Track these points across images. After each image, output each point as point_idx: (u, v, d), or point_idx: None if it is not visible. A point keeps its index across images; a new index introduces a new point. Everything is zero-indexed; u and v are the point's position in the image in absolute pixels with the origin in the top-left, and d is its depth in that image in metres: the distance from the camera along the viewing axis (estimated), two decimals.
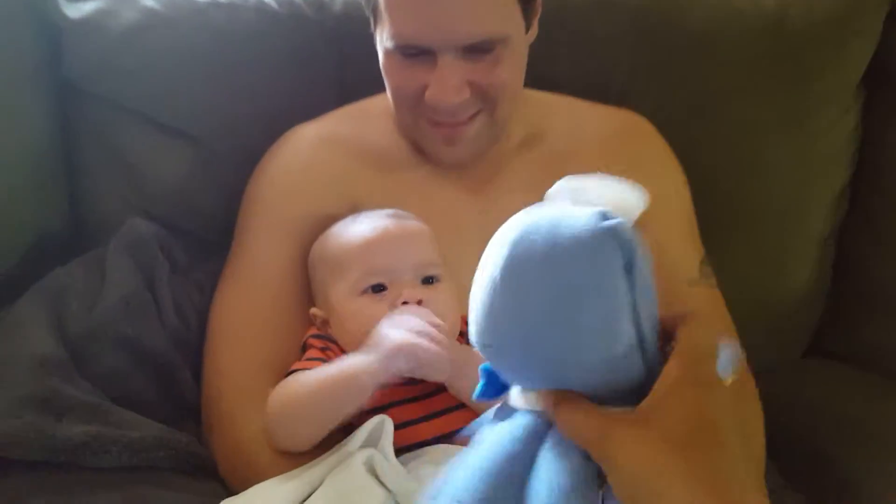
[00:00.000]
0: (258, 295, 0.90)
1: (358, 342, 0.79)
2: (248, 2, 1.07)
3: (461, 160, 0.93)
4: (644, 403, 0.48)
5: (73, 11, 1.04)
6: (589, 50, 1.12)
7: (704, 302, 0.98)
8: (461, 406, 0.78)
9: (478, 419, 0.57)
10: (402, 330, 0.73)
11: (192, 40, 1.05)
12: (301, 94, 1.06)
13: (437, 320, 0.76)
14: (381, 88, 0.91)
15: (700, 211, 1.05)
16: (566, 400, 0.50)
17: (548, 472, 0.50)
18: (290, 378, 0.78)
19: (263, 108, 1.05)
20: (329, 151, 0.95)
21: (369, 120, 0.98)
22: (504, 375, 0.53)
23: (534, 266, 0.48)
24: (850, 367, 1.25)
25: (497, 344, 0.50)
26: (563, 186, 0.52)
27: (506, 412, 0.54)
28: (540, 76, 1.04)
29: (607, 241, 0.47)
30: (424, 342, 0.72)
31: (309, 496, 0.71)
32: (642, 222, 0.99)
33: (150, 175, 1.06)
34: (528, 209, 0.51)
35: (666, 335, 0.51)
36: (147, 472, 0.77)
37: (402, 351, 0.72)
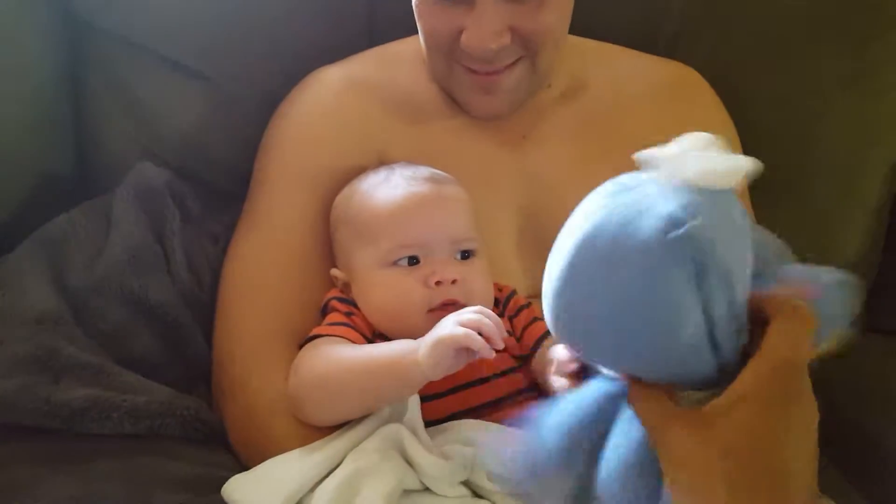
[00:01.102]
0: (274, 252, 0.86)
1: (385, 315, 0.78)
2: None
3: (498, 112, 0.89)
4: (713, 404, 0.48)
5: None
6: None
7: None
8: (488, 379, 0.76)
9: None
10: (451, 322, 0.68)
11: None
12: (325, 33, 1.03)
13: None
14: (414, 28, 0.87)
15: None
16: (639, 386, 0.51)
17: (618, 443, 0.52)
18: (324, 349, 0.75)
19: (284, 48, 1.02)
20: (355, 97, 0.91)
21: (400, 64, 0.94)
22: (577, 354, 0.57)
23: (595, 267, 0.50)
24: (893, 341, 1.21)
25: (563, 330, 0.53)
26: (658, 155, 0.51)
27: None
28: (584, 22, 0.98)
29: (673, 252, 0.47)
30: (475, 336, 0.66)
31: (328, 475, 0.68)
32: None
33: (161, 117, 1.05)
34: (605, 188, 0.52)
35: (757, 319, 0.49)
36: (152, 441, 0.75)
37: (447, 346, 0.67)
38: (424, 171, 0.83)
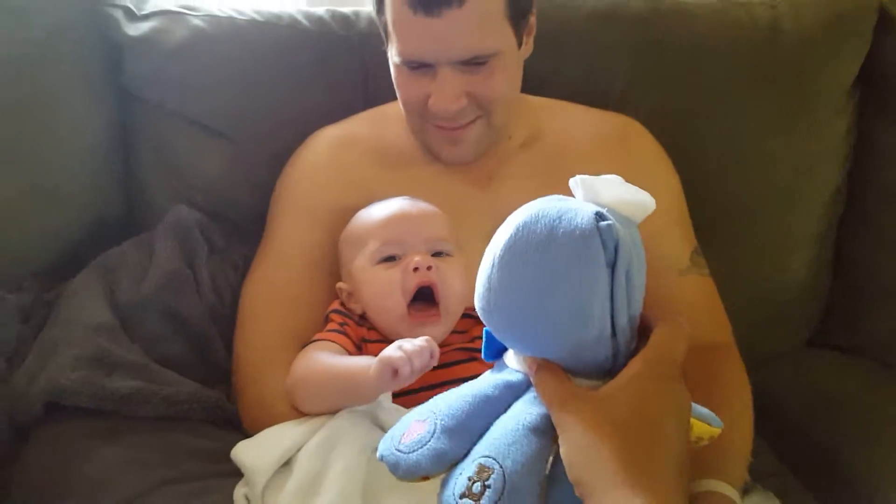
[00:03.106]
0: (282, 275, 0.99)
1: (374, 308, 0.89)
2: (282, 20, 1.18)
3: (464, 159, 1.01)
4: (608, 385, 0.55)
5: (133, 30, 1.16)
6: (591, 60, 1.19)
7: (695, 290, 1.03)
8: (457, 381, 0.82)
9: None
10: (394, 347, 0.75)
11: (233, 54, 1.15)
12: (328, 102, 1.14)
13: (435, 351, 0.76)
14: None
15: (699, 210, 1.10)
16: (545, 366, 0.57)
17: (516, 412, 0.59)
18: (310, 352, 0.86)
19: (293, 114, 1.13)
20: (349, 150, 1.04)
21: (386, 123, 1.06)
22: (497, 338, 0.61)
23: (530, 249, 0.56)
24: (851, 358, 1.27)
25: (490, 310, 0.58)
26: (580, 182, 0.59)
27: (500, 368, 0.63)
28: (546, 83, 1.13)
29: (596, 239, 0.54)
30: (405, 365, 0.73)
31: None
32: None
33: (193, 170, 1.16)
34: (541, 199, 0.59)
35: (644, 331, 0.58)
36: (182, 422, 0.88)
37: (386, 366, 0.74)
38: (404, 197, 0.96)
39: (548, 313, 0.55)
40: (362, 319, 0.91)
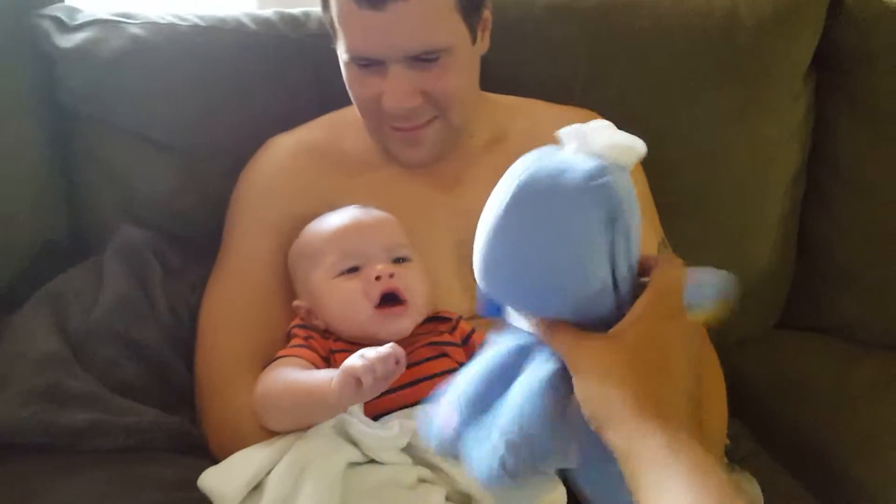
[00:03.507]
0: (242, 290, 0.96)
1: (339, 319, 0.87)
2: (227, 24, 1.14)
3: (423, 161, 0.99)
4: (614, 328, 0.56)
5: (65, 41, 1.11)
6: (549, 55, 1.18)
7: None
8: (428, 378, 0.83)
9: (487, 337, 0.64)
10: (356, 356, 0.73)
11: (176, 62, 1.11)
12: (281, 107, 1.11)
13: (401, 356, 0.74)
14: None
15: (663, 197, 1.10)
16: (551, 322, 0.58)
17: (531, 377, 0.59)
18: (275, 368, 0.83)
19: (245, 122, 1.10)
20: (305, 158, 1.02)
21: (343, 127, 1.04)
22: (499, 301, 0.61)
23: (532, 208, 0.56)
24: (818, 338, 1.30)
25: (492, 271, 0.59)
26: (571, 132, 0.58)
27: (503, 326, 0.63)
28: (509, 81, 1.11)
29: (595, 196, 0.55)
30: (368, 373, 0.71)
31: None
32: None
33: (141, 186, 1.12)
34: (536, 153, 0.59)
35: (642, 271, 0.59)
36: (142, 452, 0.84)
37: (347, 377, 0.72)
38: (355, 206, 0.93)
39: (551, 270, 0.56)
40: (327, 333, 0.89)
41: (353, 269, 0.87)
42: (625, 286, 0.57)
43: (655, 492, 0.49)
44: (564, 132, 0.59)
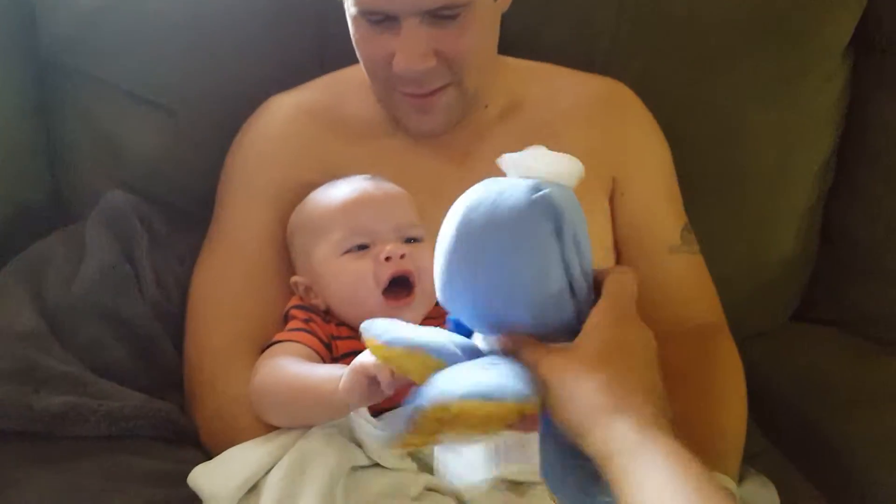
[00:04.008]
0: (237, 265, 0.91)
1: (343, 301, 0.82)
2: None
3: (434, 129, 0.93)
4: (576, 339, 0.60)
5: None
6: (572, 20, 1.12)
7: (686, 268, 1.00)
8: None
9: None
10: (368, 352, 0.67)
11: (168, 12, 1.04)
12: (280, 65, 1.05)
13: None
14: None
15: (685, 178, 1.06)
16: (517, 338, 0.62)
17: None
18: (273, 357, 0.78)
19: (242, 80, 1.05)
20: (306, 121, 0.96)
21: (348, 89, 0.98)
22: (466, 324, 0.65)
23: (479, 231, 0.60)
24: (836, 332, 1.26)
25: (453, 299, 0.63)
26: (509, 161, 0.62)
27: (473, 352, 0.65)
28: (524, 46, 1.05)
29: (537, 211, 0.59)
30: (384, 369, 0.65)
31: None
32: (624, 191, 0.96)
33: (129, 147, 1.07)
34: (477, 185, 0.63)
35: (598, 286, 0.63)
36: (127, 441, 0.80)
37: (359, 376, 0.67)
38: (366, 175, 0.88)
39: (509, 290, 0.60)
40: (328, 314, 0.84)
41: (362, 248, 0.82)
42: (581, 293, 0.61)
43: (637, 486, 0.51)
44: (502, 162, 0.63)
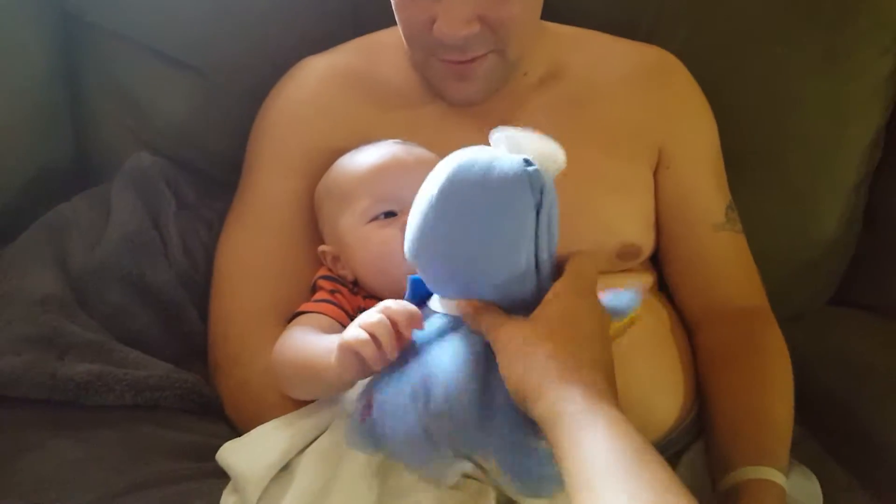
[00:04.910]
0: (264, 234, 0.89)
1: (370, 271, 0.80)
2: None
3: (472, 98, 0.91)
4: (535, 311, 0.63)
5: None
6: None
7: (729, 247, 0.98)
8: None
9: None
10: (355, 328, 0.65)
11: None
12: (311, 24, 1.04)
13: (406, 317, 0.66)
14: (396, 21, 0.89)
15: (728, 151, 1.03)
16: (478, 304, 0.65)
17: (455, 348, 0.64)
18: (293, 329, 0.77)
19: (272, 40, 1.03)
20: (339, 84, 0.93)
21: (382, 53, 0.96)
22: (428, 285, 0.67)
23: (467, 191, 0.62)
24: (876, 317, 1.22)
25: (424, 254, 0.65)
26: (502, 136, 0.64)
27: (426, 313, 0.68)
28: (566, 12, 1.03)
29: (526, 183, 0.61)
30: (368, 346, 0.64)
31: (313, 440, 0.72)
32: (669, 164, 0.93)
33: (155, 109, 1.05)
34: (469, 148, 0.65)
35: (559, 269, 0.66)
36: (151, 411, 0.79)
37: (347, 351, 0.65)
38: (395, 140, 0.85)
39: (481, 252, 0.62)
40: (355, 286, 0.82)
41: (389, 214, 0.79)
42: (545, 271, 0.64)
43: (576, 451, 0.53)
44: (494, 136, 0.65)
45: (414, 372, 0.64)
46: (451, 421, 0.61)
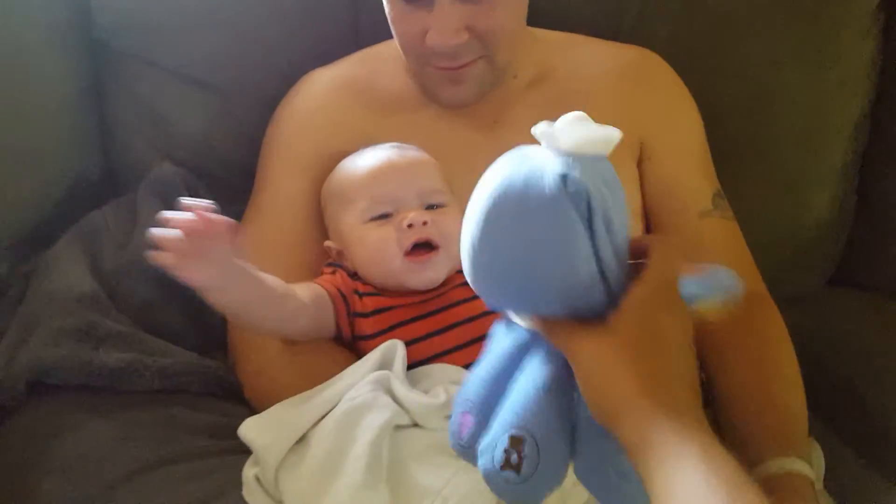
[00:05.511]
0: (275, 229, 0.94)
1: (369, 265, 0.84)
2: None
3: (465, 100, 0.95)
4: (610, 318, 0.57)
5: None
6: None
7: (718, 233, 0.99)
8: (463, 322, 0.82)
9: (490, 329, 0.67)
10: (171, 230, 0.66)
11: None
12: (316, 43, 1.08)
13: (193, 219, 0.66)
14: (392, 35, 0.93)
15: (718, 143, 1.05)
16: (547, 322, 0.59)
17: (531, 375, 0.60)
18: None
19: (279, 55, 1.07)
20: (342, 94, 0.99)
21: (381, 63, 1.00)
22: (492, 307, 0.64)
23: (507, 223, 0.57)
24: (874, 296, 1.24)
25: (481, 283, 0.61)
26: (543, 132, 0.59)
27: (509, 323, 0.65)
28: (550, 15, 1.06)
29: (566, 204, 0.55)
30: (176, 242, 0.65)
31: (327, 414, 0.76)
32: (651, 156, 0.94)
33: (175, 124, 1.10)
34: (506, 161, 0.59)
35: (637, 254, 0.59)
36: (179, 395, 0.83)
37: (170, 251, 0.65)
38: (392, 143, 0.90)
39: (534, 278, 0.57)
40: (356, 276, 0.87)
41: (385, 216, 0.84)
42: (613, 276, 0.58)
43: (667, 480, 0.49)
44: (535, 131, 0.59)
45: (495, 399, 0.61)
46: (534, 451, 0.57)
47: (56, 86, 1.07)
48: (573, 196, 0.55)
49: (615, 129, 0.58)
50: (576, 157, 0.57)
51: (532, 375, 0.60)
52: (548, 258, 0.56)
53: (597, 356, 0.55)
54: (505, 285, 0.59)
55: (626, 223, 0.59)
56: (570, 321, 0.58)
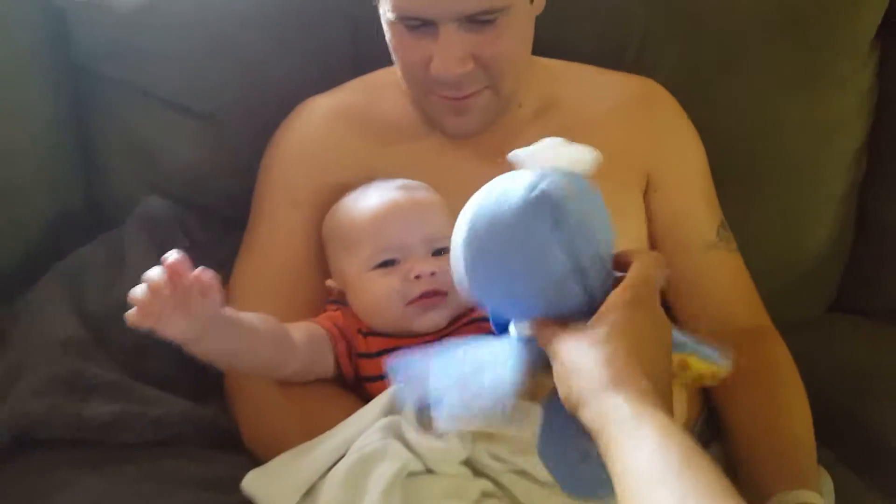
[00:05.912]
0: (273, 266, 0.91)
1: (371, 314, 0.82)
2: None
3: (469, 130, 0.93)
4: (591, 320, 0.62)
5: None
6: (603, 17, 1.11)
7: (723, 266, 0.99)
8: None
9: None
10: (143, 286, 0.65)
11: (202, 18, 1.04)
12: (314, 68, 1.06)
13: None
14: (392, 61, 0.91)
15: (718, 173, 1.05)
16: (535, 321, 0.65)
17: (509, 348, 0.66)
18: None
19: (275, 81, 1.05)
20: (341, 122, 0.96)
21: (382, 91, 0.98)
22: (492, 314, 0.70)
23: (484, 236, 0.64)
24: (874, 322, 1.24)
25: (474, 292, 0.67)
26: (521, 156, 0.66)
27: (509, 341, 0.68)
28: (554, 44, 1.05)
29: (531, 209, 0.61)
30: (150, 301, 0.65)
31: (336, 462, 0.73)
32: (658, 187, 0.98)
33: (164, 154, 1.07)
34: (491, 182, 0.66)
35: (623, 267, 0.65)
36: (172, 447, 0.80)
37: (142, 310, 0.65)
38: (397, 181, 0.87)
39: (519, 285, 0.63)
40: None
41: (389, 263, 0.81)
42: (596, 276, 0.63)
43: (623, 457, 0.52)
44: (513, 156, 0.66)
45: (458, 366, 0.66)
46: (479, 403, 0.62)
47: (34, 115, 1.04)
48: (538, 198, 0.61)
49: (592, 149, 0.64)
50: (546, 171, 0.63)
51: (506, 351, 0.65)
52: (520, 258, 0.62)
53: (574, 349, 0.60)
54: (492, 294, 0.66)
55: (610, 235, 0.65)
56: (556, 322, 0.63)
